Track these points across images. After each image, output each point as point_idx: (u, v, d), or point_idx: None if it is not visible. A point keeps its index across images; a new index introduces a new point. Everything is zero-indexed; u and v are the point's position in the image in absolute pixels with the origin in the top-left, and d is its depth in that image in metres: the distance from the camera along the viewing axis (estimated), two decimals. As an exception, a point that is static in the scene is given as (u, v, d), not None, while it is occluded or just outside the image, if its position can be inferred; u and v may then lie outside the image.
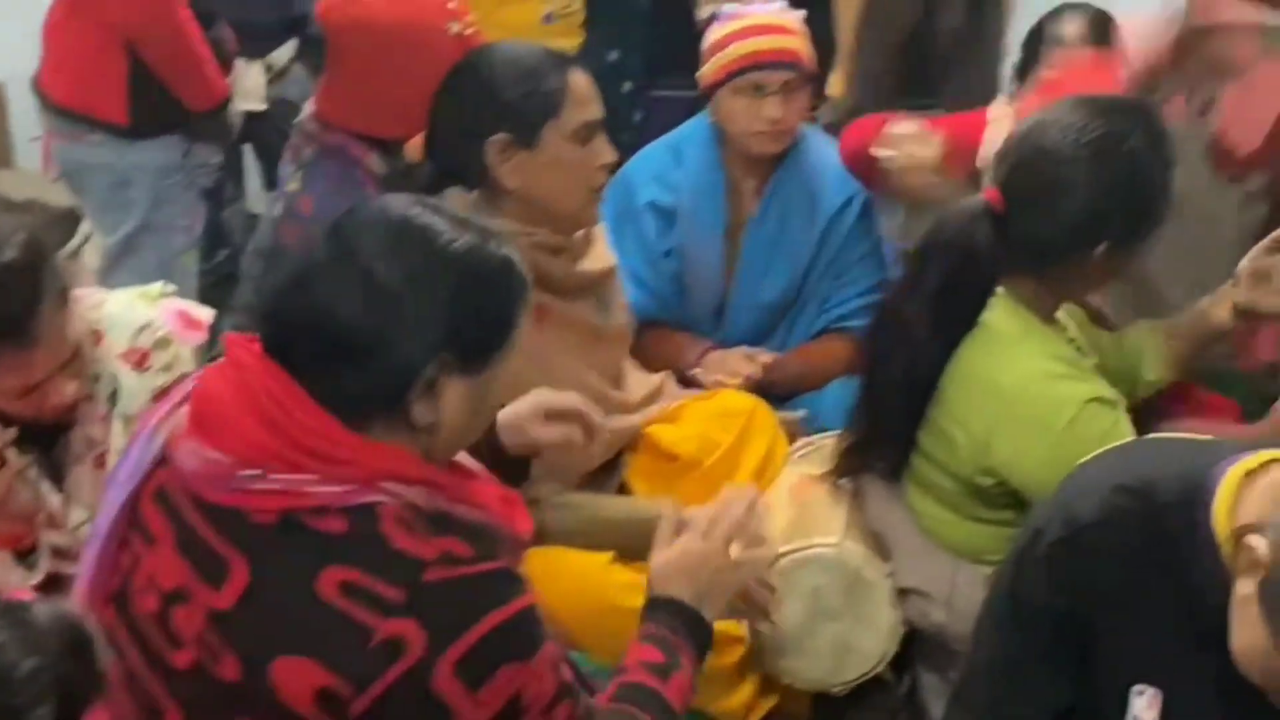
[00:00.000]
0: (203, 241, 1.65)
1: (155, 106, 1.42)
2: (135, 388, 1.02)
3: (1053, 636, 0.75)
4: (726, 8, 1.37)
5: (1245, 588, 0.56)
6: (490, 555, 0.62)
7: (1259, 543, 0.54)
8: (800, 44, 1.33)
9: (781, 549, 1.03)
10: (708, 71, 1.35)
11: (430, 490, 0.61)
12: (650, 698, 0.70)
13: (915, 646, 1.10)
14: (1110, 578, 0.72)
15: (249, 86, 1.67)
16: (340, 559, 0.58)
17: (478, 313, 0.62)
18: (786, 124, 1.32)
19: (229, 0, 1.58)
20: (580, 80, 1.07)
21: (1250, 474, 0.63)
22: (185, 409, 0.65)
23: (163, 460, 0.66)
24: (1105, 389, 0.96)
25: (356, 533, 0.58)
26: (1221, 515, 0.62)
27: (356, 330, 0.56)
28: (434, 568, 0.58)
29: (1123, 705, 0.71)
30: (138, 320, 1.02)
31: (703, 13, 1.61)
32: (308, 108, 1.33)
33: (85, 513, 1.03)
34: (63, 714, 0.45)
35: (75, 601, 0.71)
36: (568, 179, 1.04)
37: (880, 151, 1.23)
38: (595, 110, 1.05)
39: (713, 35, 1.35)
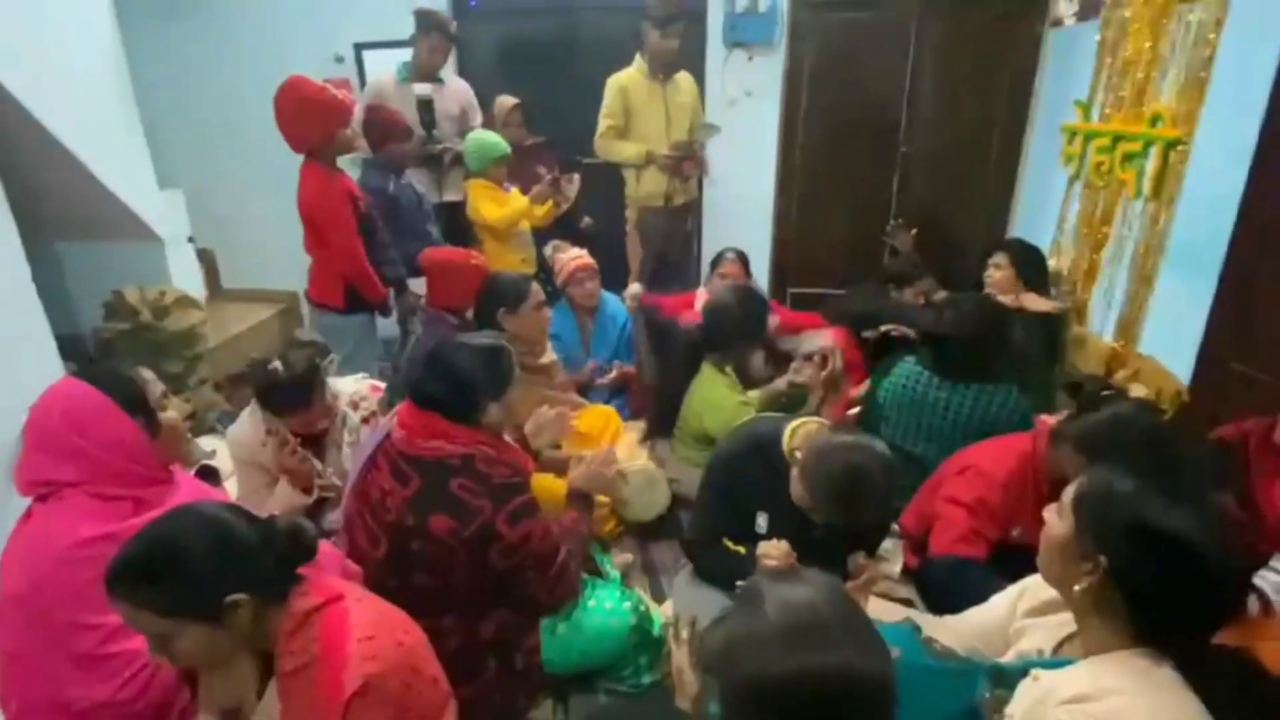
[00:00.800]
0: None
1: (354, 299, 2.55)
2: (354, 418, 2.17)
3: (725, 494, 1.74)
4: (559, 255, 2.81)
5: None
6: (518, 475, 1.46)
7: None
8: (591, 261, 2.78)
9: (625, 466, 2.20)
10: (561, 281, 2.78)
11: (493, 448, 1.45)
12: (573, 532, 1.59)
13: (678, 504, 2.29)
14: (746, 471, 1.70)
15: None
16: (458, 475, 1.40)
17: (502, 374, 1.51)
18: (596, 293, 2.73)
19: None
20: (535, 284, 2.26)
21: (794, 429, 1.64)
22: (393, 420, 1.51)
23: (385, 438, 1.50)
24: (747, 398, 2.36)
25: (465, 465, 1.39)
26: (786, 446, 1.63)
27: (460, 390, 1.46)
28: (495, 479, 1.41)
29: (753, 520, 1.75)
30: (353, 389, 2.17)
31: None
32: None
33: (332, 470, 2.14)
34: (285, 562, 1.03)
35: (344, 500, 1.69)
36: (533, 325, 2.28)
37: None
38: (543, 296, 2.27)
39: (558, 267, 2.76)
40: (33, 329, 2.33)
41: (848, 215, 3.56)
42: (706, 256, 3.57)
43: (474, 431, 1.45)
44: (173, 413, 1.43)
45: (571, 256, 2.80)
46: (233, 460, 2.00)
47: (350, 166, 3.14)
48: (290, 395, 1.83)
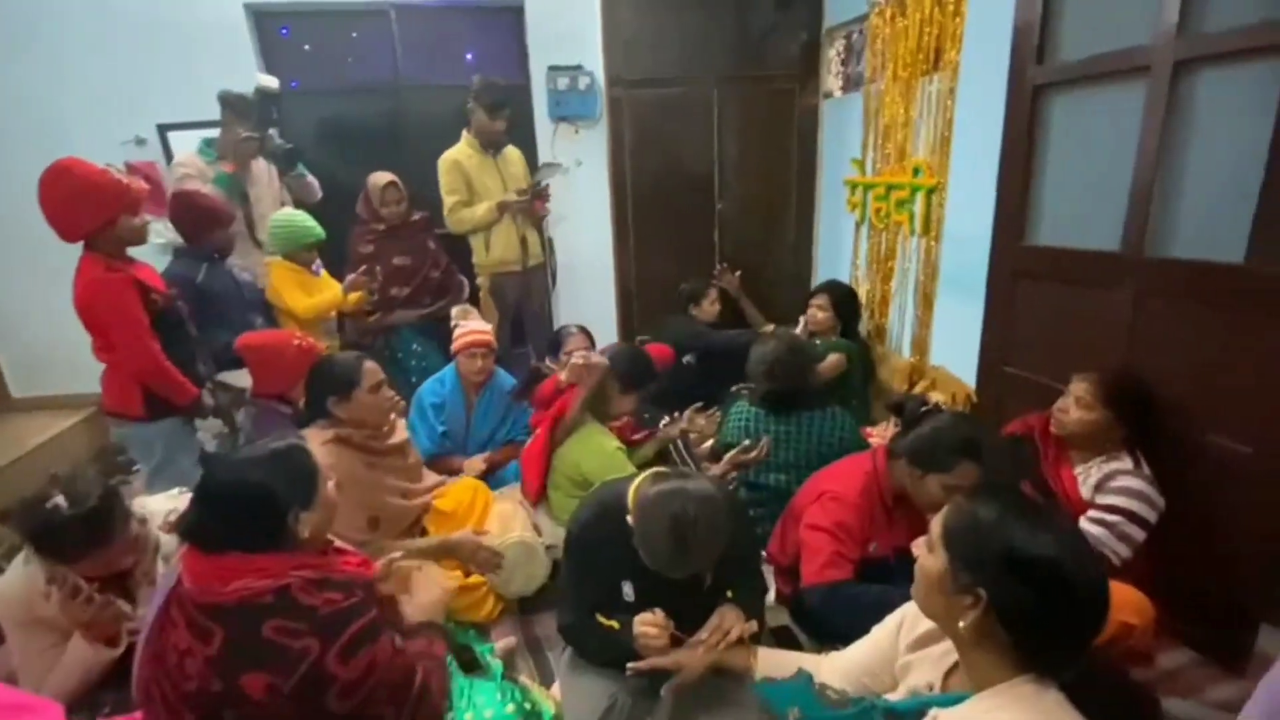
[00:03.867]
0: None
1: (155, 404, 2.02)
2: (171, 543, 1.69)
3: (585, 569, 1.41)
4: (461, 323, 2.49)
5: None
6: (352, 594, 1.10)
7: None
8: (490, 337, 2.47)
9: (499, 543, 1.90)
10: (454, 348, 2.44)
11: (316, 569, 1.09)
12: (427, 655, 1.28)
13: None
14: (598, 541, 1.40)
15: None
16: (272, 615, 1.03)
17: (304, 478, 1.16)
18: (486, 370, 2.44)
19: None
20: (370, 364, 1.86)
21: (634, 489, 1.33)
22: (182, 561, 1.12)
23: (176, 585, 1.11)
24: (617, 446, 2.15)
25: (279, 601, 1.04)
26: (629, 505, 1.32)
27: (255, 516, 1.10)
28: (321, 610, 1.05)
29: (620, 590, 1.41)
30: (167, 508, 1.69)
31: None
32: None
33: (143, 611, 1.64)
34: None
35: (136, 667, 1.15)
36: (372, 410, 1.88)
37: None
38: (380, 376, 1.87)
39: (456, 334, 2.44)
40: None
41: (679, 266, 3.58)
42: (559, 317, 3.41)
43: (286, 557, 1.12)
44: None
45: (470, 329, 2.45)
46: (3, 622, 1.47)
47: (157, 255, 2.63)
48: (78, 536, 1.37)
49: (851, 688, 1.17)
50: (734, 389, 2.63)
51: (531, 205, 3.04)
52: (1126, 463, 1.67)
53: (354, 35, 3.44)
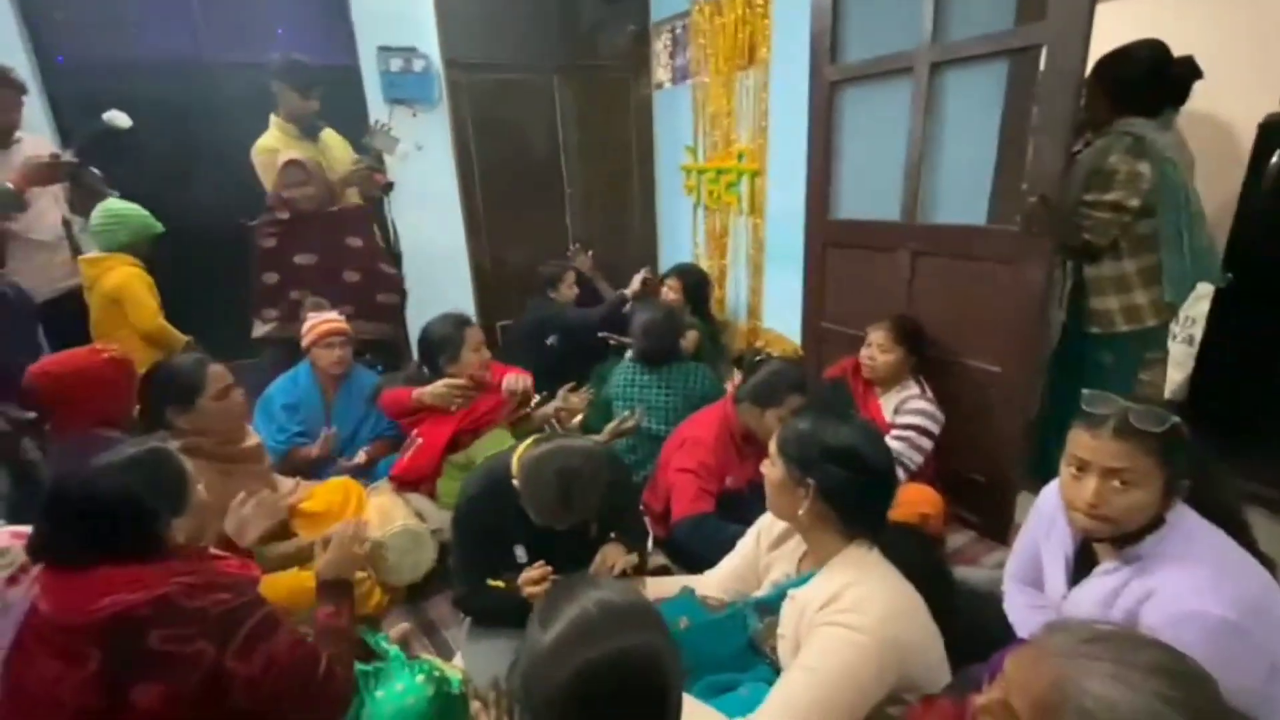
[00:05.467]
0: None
1: None
2: None
3: (477, 540, 1.51)
4: (311, 315, 2.30)
5: None
6: (239, 593, 1.05)
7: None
8: (346, 326, 2.31)
9: (383, 533, 1.83)
10: (306, 342, 2.27)
11: (195, 574, 1.04)
12: (331, 630, 1.26)
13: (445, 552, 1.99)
14: (488, 511, 1.48)
15: None
16: (156, 625, 0.98)
17: (174, 481, 1.09)
18: (345, 361, 2.30)
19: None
20: (215, 367, 1.71)
21: (518, 457, 1.42)
22: (38, 583, 1.03)
23: (31, 611, 1.03)
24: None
25: (161, 610, 0.98)
26: (514, 469, 1.43)
27: (126, 525, 1.01)
28: (209, 611, 1.00)
29: (513, 555, 1.51)
30: None
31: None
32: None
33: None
34: None
35: None
36: (221, 417, 1.73)
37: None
38: (227, 379, 1.73)
39: (306, 327, 2.28)
40: None
41: (533, 249, 3.62)
42: (415, 305, 3.25)
43: (162, 564, 1.06)
44: None
45: (322, 318, 2.27)
46: None
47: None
48: None
49: (727, 595, 1.37)
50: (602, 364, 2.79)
51: (372, 177, 2.78)
52: (914, 389, 2.06)
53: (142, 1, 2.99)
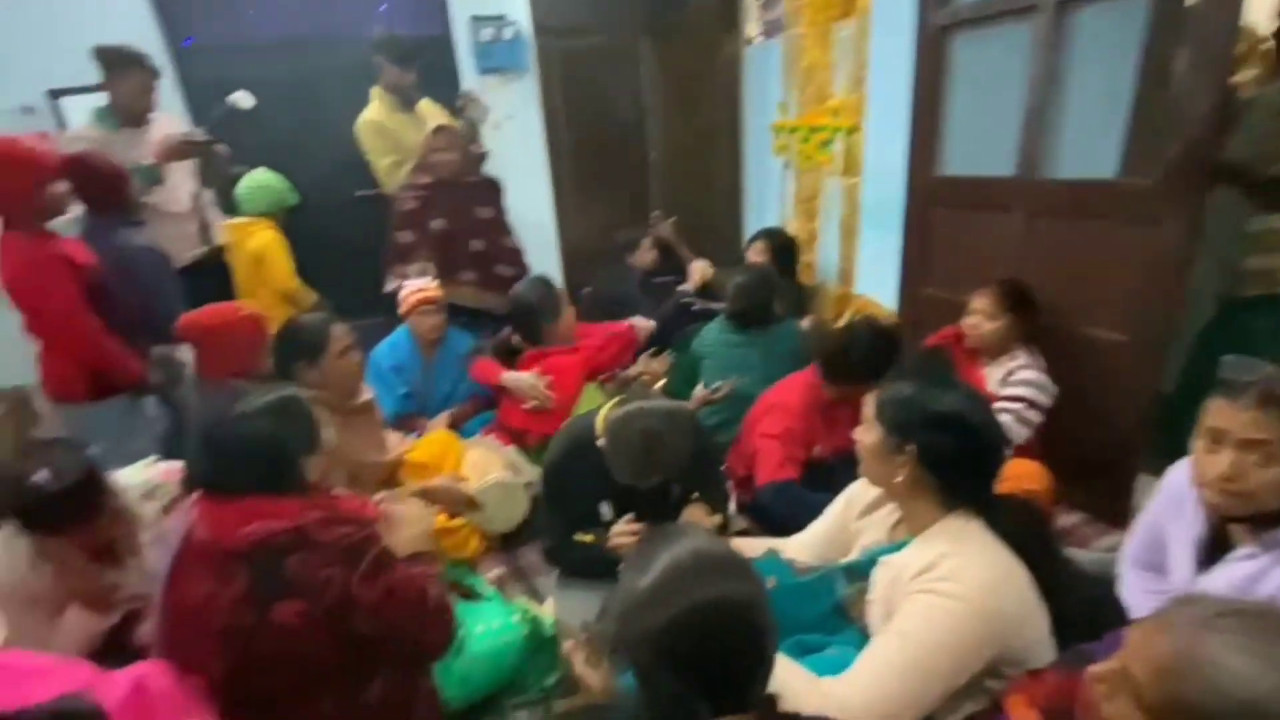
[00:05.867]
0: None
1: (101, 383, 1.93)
2: (150, 511, 1.68)
3: (563, 497, 1.65)
4: (407, 283, 2.42)
5: None
6: (362, 529, 1.17)
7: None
8: (439, 293, 2.41)
9: (478, 487, 1.93)
10: (403, 310, 2.38)
11: (325, 509, 1.15)
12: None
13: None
14: (573, 470, 1.61)
15: None
16: (292, 552, 1.09)
17: (305, 425, 1.23)
18: (440, 327, 2.41)
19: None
20: (339, 326, 1.87)
21: (602, 418, 1.55)
22: (194, 510, 1.18)
23: (187, 535, 1.17)
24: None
25: (298, 539, 1.10)
26: (599, 429, 1.58)
27: (267, 463, 1.15)
28: (337, 543, 1.11)
29: (597, 512, 1.64)
30: (141, 480, 1.68)
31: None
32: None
33: (133, 578, 1.63)
34: None
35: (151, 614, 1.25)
36: (341, 374, 1.89)
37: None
38: (348, 339, 1.89)
39: (402, 295, 2.39)
40: None
41: (616, 217, 3.64)
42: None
43: (297, 499, 1.19)
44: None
45: (417, 286, 2.41)
46: (-7, 603, 1.45)
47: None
48: (69, 509, 1.36)
49: (813, 559, 1.36)
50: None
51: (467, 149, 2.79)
52: (1023, 359, 1.93)
53: (255, -15, 3.21)
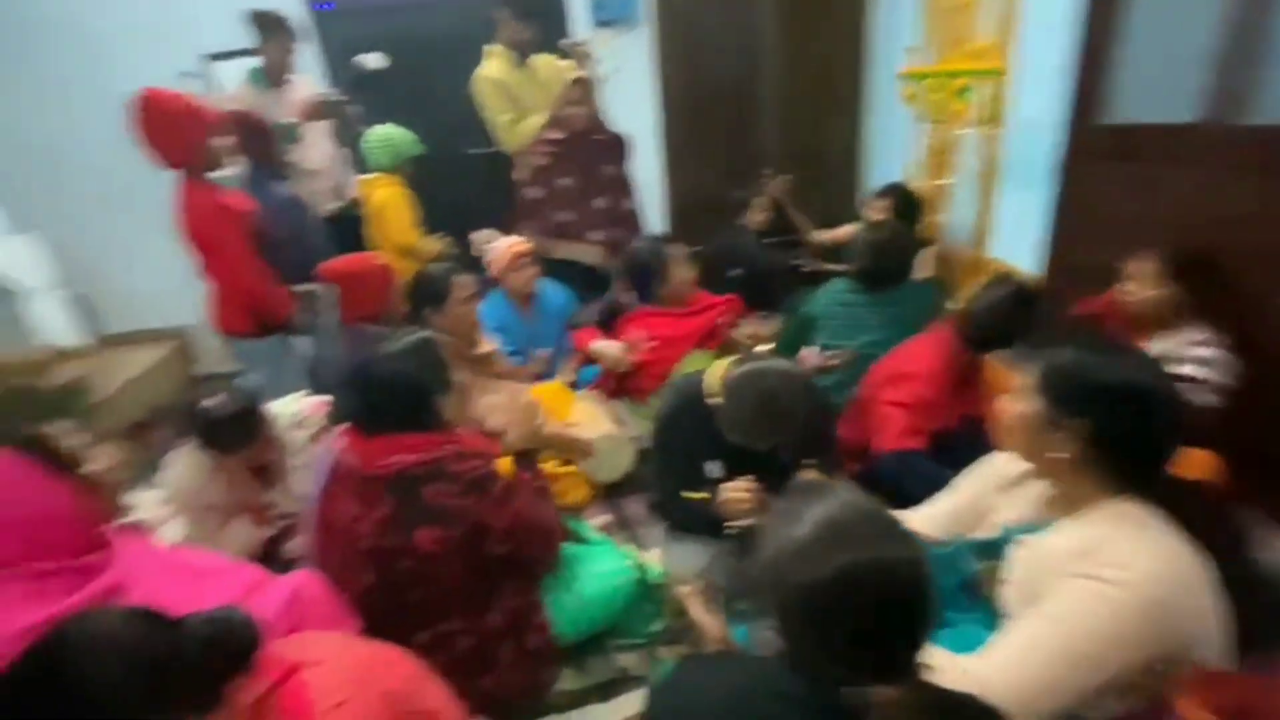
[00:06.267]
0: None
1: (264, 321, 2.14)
2: (300, 439, 1.88)
3: (672, 453, 1.64)
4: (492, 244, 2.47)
5: None
6: (488, 461, 1.32)
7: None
8: (530, 245, 2.45)
9: (590, 434, 2.04)
10: (499, 269, 2.43)
11: (456, 444, 1.28)
12: (536, 487, 1.43)
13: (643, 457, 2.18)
14: (682, 427, 1.60)
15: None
16: (430, 482, 1.22)
17: (440, 367, 1.33)
18: (535, 277, 2.45)
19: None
20: (462, 277, 2.03)
21: (711, 377, 1.56)
22: (343, 440, 1.32)
23: (337, 462, 1.33)
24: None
25: (434, 471, 1.22)
26: (709, 387, 1.55)
27: (407, 400, 1.27)
28: (468, 475, 1.24)
29: (704, 470, 1.61)
30: (293, 410, 1.88)
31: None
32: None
33: (284, 499, 1.86)
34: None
35: (304, 533, 1.46)
36: (463, 321, 2.04)
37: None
38: (473, 288, 2.03)
39: (495, 253, 2.44)
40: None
41: (728, 175, 3.53)
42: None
43: (432, 435, 1.28)
44: (100, 464, 1.16)
45: (508, 243, 2.47)
46: (176, 508, 1.68)
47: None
48: (235, 432, 1.56)
49: (937, 533, 1.29)
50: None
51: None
52: (1195, 334, 1.70)
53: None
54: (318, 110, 2.67)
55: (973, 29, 2.64)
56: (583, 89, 2.55)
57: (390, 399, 1.26)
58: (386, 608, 1.28)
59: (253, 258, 2.04)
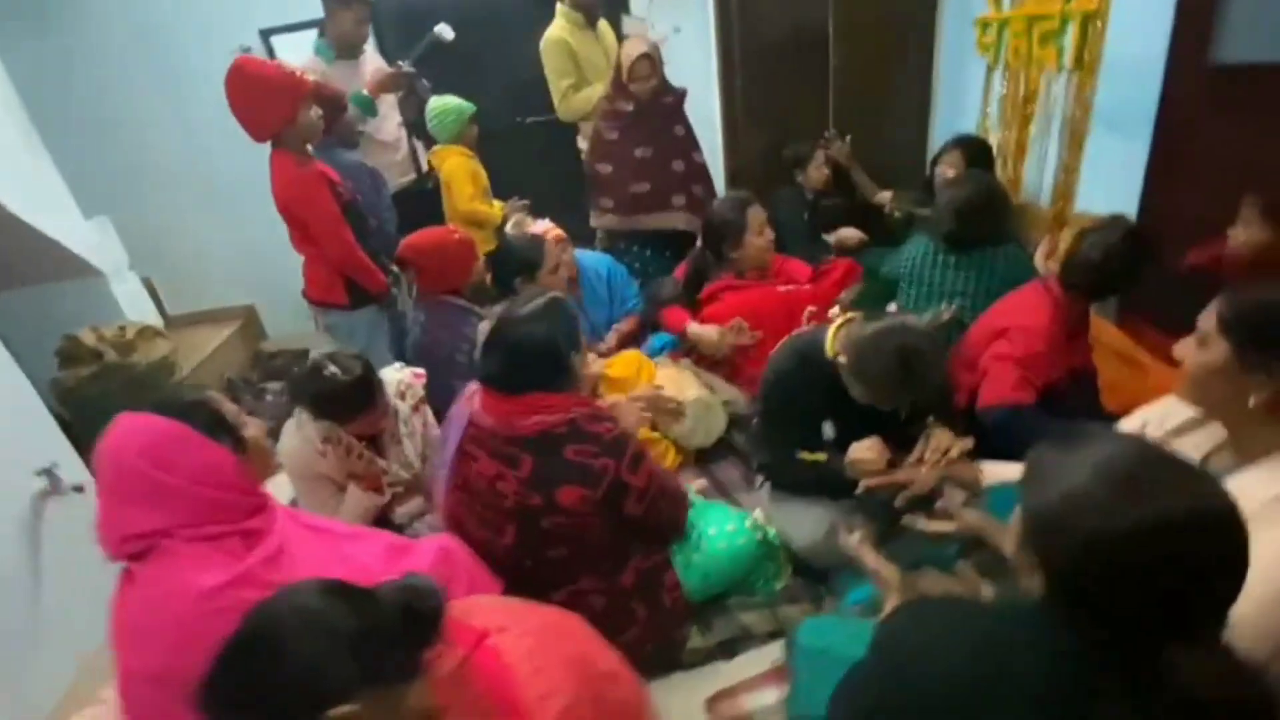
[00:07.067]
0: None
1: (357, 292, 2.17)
2: (404, 409, 1.91)
3: (786, 413, 1.59)
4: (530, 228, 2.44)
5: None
6: (618, 424, 1.32)
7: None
8: (562, 231, 2.41)
9: (682, 398, 1.99)
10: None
11: (587, 406, 1.32)
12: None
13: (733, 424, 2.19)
14: (799, 386, 1.55)
15: None
16: (569, 441, 1.24)
17: (572, 326, 1.33)
18: (573, 266, 2.43)
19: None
20: (549, 248, 2.04)
21: (833, 334, 1.49)
22: (471, 406, 1.39)
23: (468, 427, 1.38)
24: None
25: (572, 430, 1.24)
26: (830, 352, 1.48)
27: (548, 360, 1.31)
28: (604, 435, 1.26)
29: (818, 431, 1.61)
30: (396, 379, 1.90)
31: None
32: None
33: (395, 465, 1.90)
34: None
35: (438, 495, 1.44)
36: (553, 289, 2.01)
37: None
38: (561, 256, 2.03)
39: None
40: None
41: (791, 134, 3.44)
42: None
43: (567, 396, 1.28)
44: (254, 429, 1.18)
45: (542, 230, 2.44)
46: (290, 477, 1.72)
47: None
48: (353, 400, 1.59)
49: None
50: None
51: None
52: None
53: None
54: (392, 83, 2.65)
55: (1062, -34, 2.51)
56: (649, 64, 2.49)
57: (529, 359, 1.26)
58: (527, 567, 1.31)
59: (345, 230, 2.05)
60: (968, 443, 1.44)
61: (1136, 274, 1.70)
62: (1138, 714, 0.60)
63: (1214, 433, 1.08)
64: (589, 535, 1.28)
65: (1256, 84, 1.91)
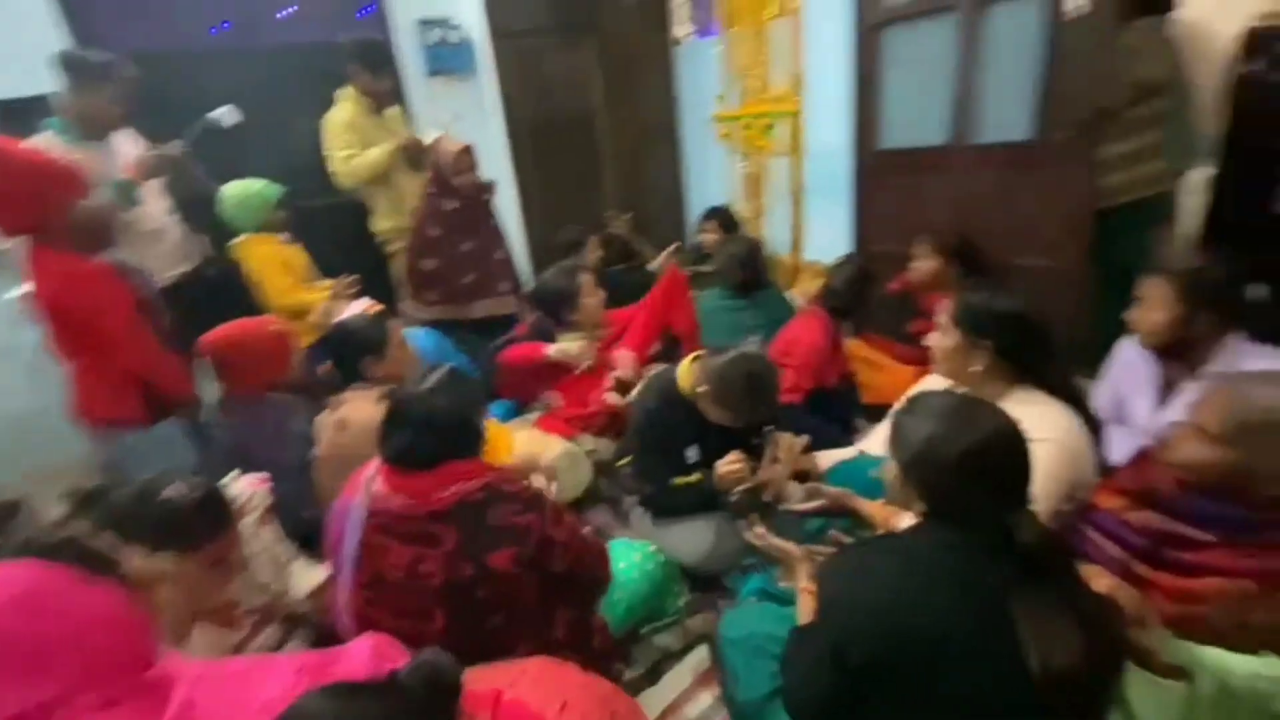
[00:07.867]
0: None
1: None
2: (248, 524, 1.62)
3: (657, 445, 1.76)
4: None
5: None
6: (527, 484, 1.37)
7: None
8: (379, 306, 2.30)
9: (545, 457, 2.07)
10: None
11: (496, 468, 1.31)
12: None
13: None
14: (665, 419, 1.73)
15: None
16: (490, 505, 1.21)
17: (476, 391, 1.48)
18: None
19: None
20: (392, 320, 1.97)
21: (683, 371, 1.72)
22: (368, 494, 1.26)
23: (374, 512, 1.24)
24: None
25: (491, 494, 1.22)
26: (685, 386, 1.72)
27: (464, 428, 1.27)
28: (521, 493, 1.26)
29: (684, 456, 1.77)
30: (232, 493, 1.62)
31: None
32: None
33: (246, 591, 1.58)
34: None
35: (340, 599, 1.29)
36: (403, 363, 2.02)
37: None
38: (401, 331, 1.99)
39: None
40: None
41: (576, 215, 3.78)
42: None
43: (478, 461, 1.31)
44: (134, 563, 1.00)
45: (362, 309, 2.21)
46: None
47: None
48: (202, 523, 1.34)
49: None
50: None
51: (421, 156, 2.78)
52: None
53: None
54: (159, 166, 2.31)
55: (768, 79, 3.28)
56: (470, 157, 2.61)
57: (443, 431, 1.26)
58: (463, 643, 1.26)
59: (144, 329, 1.74)
60: (805, 440, 1.79)
61: (869, 294, 2.31)
62: (1013, 567, 0.89)
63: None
64: (522, 596, 1.28)
65: (906, 160, 2.73)
